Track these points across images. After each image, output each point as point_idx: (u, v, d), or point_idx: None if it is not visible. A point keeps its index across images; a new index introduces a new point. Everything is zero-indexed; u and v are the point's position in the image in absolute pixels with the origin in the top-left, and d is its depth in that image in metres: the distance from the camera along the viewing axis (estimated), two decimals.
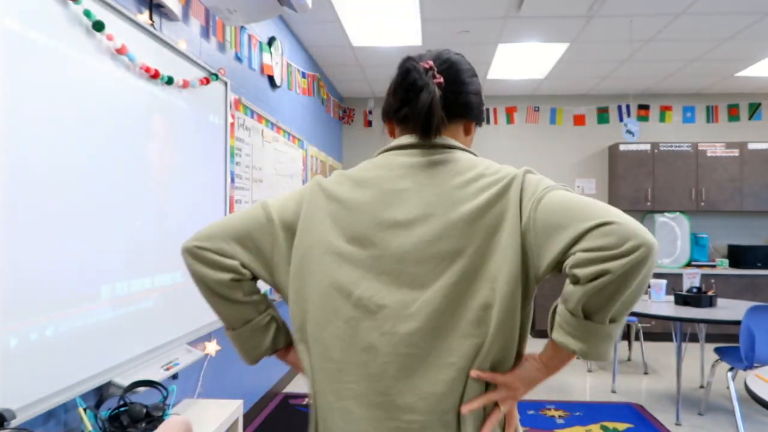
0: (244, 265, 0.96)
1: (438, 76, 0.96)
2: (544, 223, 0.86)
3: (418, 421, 0.87)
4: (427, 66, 0.95)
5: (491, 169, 0.94)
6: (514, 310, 0.87)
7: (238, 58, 3.36)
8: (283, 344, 1.05)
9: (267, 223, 0.96)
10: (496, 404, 0.91)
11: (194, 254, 0.95)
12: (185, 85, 2.44)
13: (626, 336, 5.43)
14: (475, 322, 0.88)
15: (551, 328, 0.89)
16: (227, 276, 0.94)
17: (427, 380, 0.88)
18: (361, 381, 0.90)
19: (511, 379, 0.90)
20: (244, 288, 0.97)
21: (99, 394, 1.92)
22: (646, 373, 4.83)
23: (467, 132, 1.05)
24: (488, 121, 6.80)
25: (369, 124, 6.94)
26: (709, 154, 6.20)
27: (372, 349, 0.89)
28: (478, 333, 0.88)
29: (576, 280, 0.82)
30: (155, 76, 2.17)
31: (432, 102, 0.92)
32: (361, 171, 0.98)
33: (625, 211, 6.61)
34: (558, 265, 0.85)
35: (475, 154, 1.01)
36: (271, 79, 4.00)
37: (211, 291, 0.96)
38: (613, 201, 6.48)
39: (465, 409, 0.88)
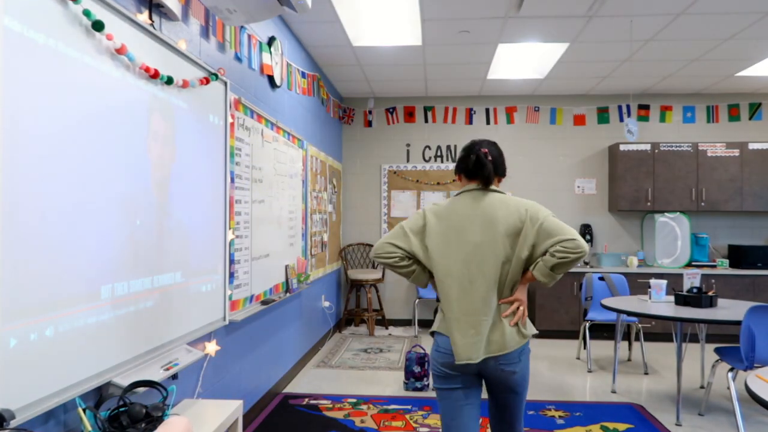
0: (402, 252, 2.00)
1: (490, 156, 2.03)
2: (544, 234, 1.92)
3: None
4: (485, 151, 2.03)
5: (513, 201, 1.99)
6: (520, 272, 1.98)
7: (238, 58, 3.36)
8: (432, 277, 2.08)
9: (404, 236, 2.02)
10: (518, 307, 1.98)
11: (377, 257, 2.02)
12: (185, 84, 2.44)
13: (626, 336, 5.42)
14: (504, 279, 1.98)
15: (533, 269, 1.95)
16: (396, 259, 2.00)
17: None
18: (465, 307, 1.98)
19: (516, 295, 1.98)
20: (405, 260, 2.01)
21: (98, 395, 1.91)
22: (646, 374, 4.83)
23: (499, 181, 2.10)
24: (488, 122, 6.81)
25: (369, 124, 6.94)
26: (709, 154, 6.20)
27: (468, 294, 1.95)
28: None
29: (554, 256, 1.88)
30: (155, 75, 2.17)
31: (489, 170, 2.01)
32: (452, 203, 2.03)
33: (625, 211, 6.67)
34: (543, 253, 1.93)
35: (504, 193, 2.04)
36: (271, 79, 4.00)
37: (394, 267, 2.01)
38: (613, 201, 6.48)
39: (503, 314, 1.98)
